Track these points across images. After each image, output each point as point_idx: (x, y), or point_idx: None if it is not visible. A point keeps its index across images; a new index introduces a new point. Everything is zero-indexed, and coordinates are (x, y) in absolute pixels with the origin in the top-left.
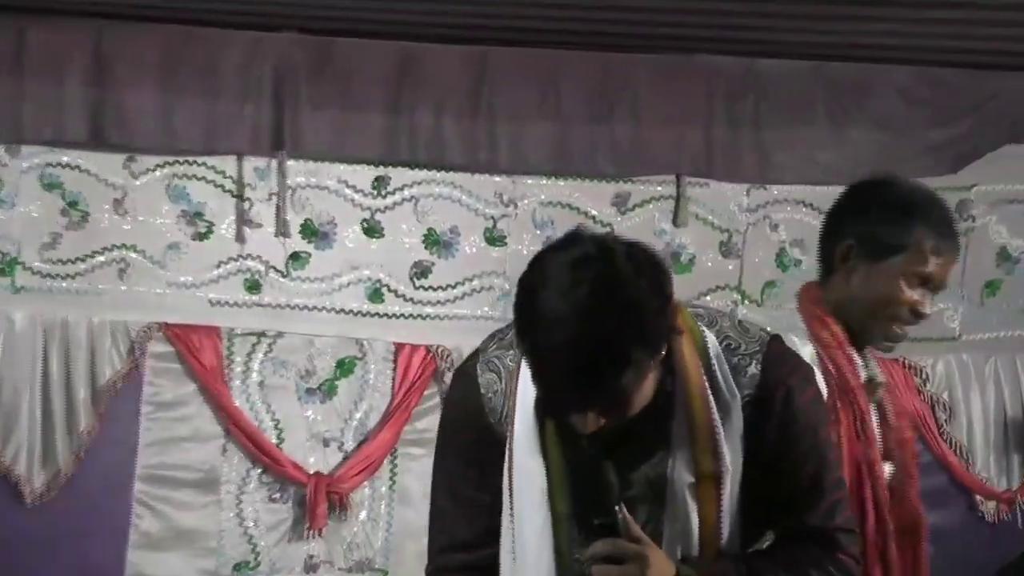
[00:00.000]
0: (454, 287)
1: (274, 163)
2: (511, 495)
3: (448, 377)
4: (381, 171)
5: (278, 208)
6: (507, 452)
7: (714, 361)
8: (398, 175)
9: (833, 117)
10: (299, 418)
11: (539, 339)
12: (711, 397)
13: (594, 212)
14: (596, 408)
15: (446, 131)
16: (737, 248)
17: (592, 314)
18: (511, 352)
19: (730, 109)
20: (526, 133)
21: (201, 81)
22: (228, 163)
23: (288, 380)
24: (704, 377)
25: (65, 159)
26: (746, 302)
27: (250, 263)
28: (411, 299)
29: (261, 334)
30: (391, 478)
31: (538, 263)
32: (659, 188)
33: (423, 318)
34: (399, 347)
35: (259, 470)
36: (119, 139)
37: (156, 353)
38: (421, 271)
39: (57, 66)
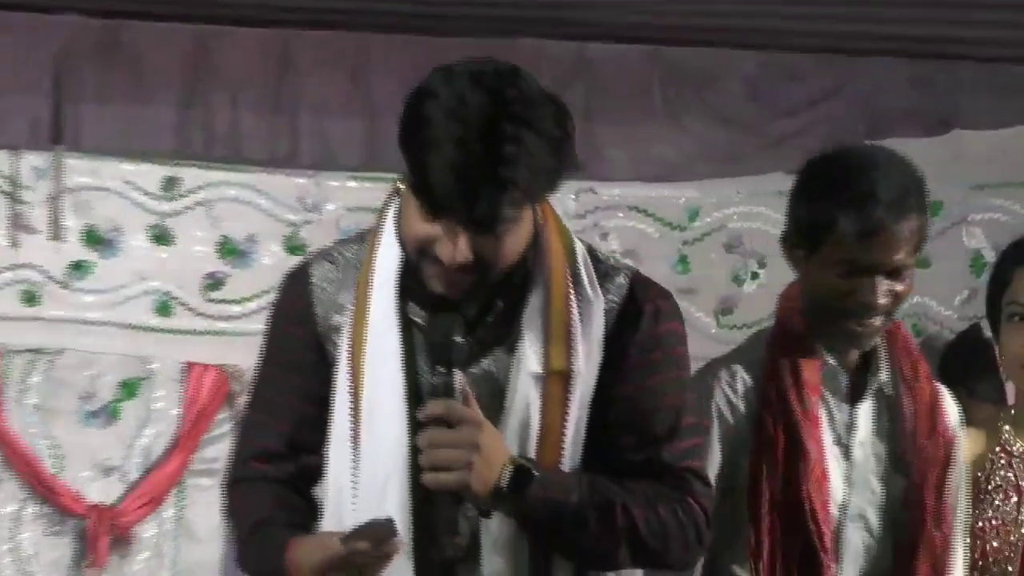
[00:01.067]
0: (250, 300)
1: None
2: (355, 391)
3: (242, 401)
4: (171, 170)
5: (53, 210)
6: (348, 343)
7: (579, 257)
8: (190, 175)
9: (672, 108)
10: (79, 444)
11: (432, 132)
12: (572, 288)
13: None
14: (473, 224)
15: (244, 124)
16: None
17: (492, 114)
18: (356, 246)
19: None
20: (332, 127)
21: None
22: (2, 159)
23: (67, 402)
24: (567, 267)
25: None
26: None
27: (27, 272)
28: (203, 313)
29: (38, 351)
30: (178, 511)
31: (437, 71)
32: None
33: (216, 334)
34: (189, 366)
35: (36, 501)
36: None
37: None
38: (214, 283)
39: None
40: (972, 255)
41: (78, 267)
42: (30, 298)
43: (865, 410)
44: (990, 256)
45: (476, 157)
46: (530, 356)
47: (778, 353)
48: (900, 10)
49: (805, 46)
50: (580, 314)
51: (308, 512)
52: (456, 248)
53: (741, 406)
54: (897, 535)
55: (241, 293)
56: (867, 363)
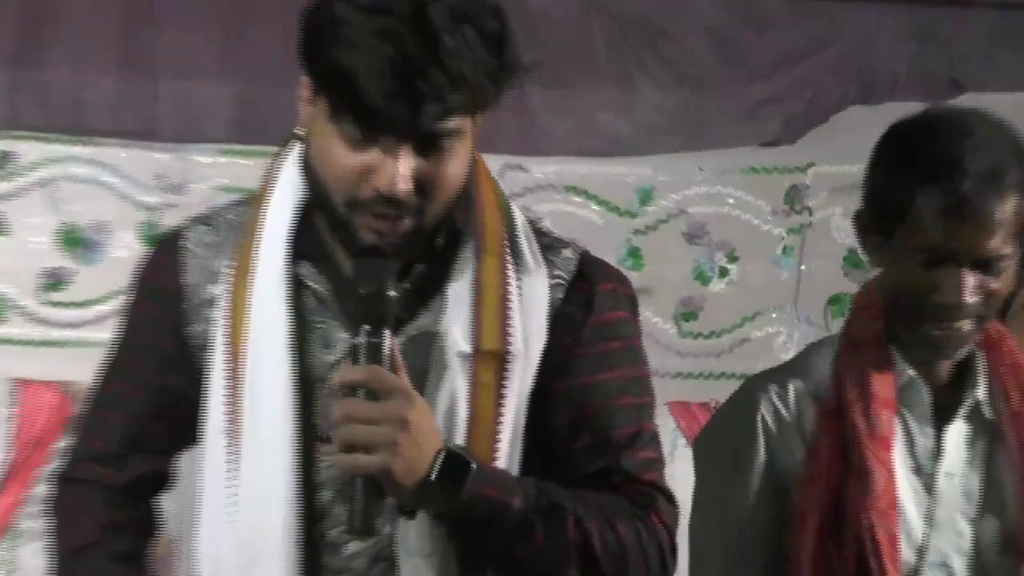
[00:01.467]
0: (99, 303)
1: None
2: (233, 375)
3: None
4: (2, 144)
5: None
6: (226, 317)
7: (518, 224)
8: (25, 150)
9: (621, 68)
10: None
11: (352, 32)
12: (509, 255)
13: None
14: (418, 137)
15: (89, 90)
16: None
17: (420, 3)
18: (240, 208)
19: None
20: (199, 94)
21: None
22: None
23: None
24: (504, 231)
25: None
26: None
27: None
28: (40, 319)
29: None
30: (8, 555)
31: None
32: None
33: (56, 345)
34: (22, 384)
35: None
36: None
37: None
38: (55, 281)
39: None
40: None
41: None
42: None
43: (955, 434)
44: None
45: (411, 51)
46: (456, 332)
47: (844, 363)
48: None
49: None
50: (519, 285)
51: (144, 528)
52: (398, 172)
53: (793, 424)
54: None
55: (87, 294)
56: (962, 378)
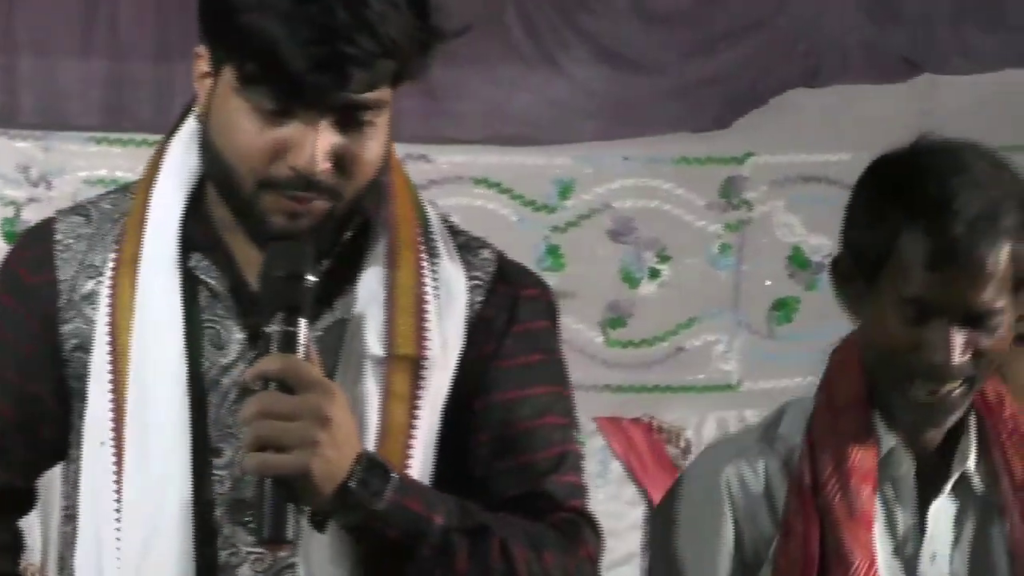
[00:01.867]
0: None
1: None
2: (117, 378)
3: None
4: None
5: None
6: (107, 314)
7: (432, 219)
8: None
9: (539, 45)
10: None
11: None
12: (425, 252)
13: None
14: (342, 107)
15: None
16: None
17: None
18: (116, 196)
19: None
20: (65, 75)
21: None
22: None
23: None
24: (419, 225)
25: None
26: None
27: None
28: None
29: None
30: None
31: None
32: None
33: None
34: None
35: None
36: None
37: None
38: None
39: None
40: None
41: None
42: None
43: (941, 511)
44: None
45: (336, 14)
46: (368, 334)
47: (818, 430)
48: None
49: None
50: (436, 286)
51: (6, 552)
52: (318, 148)
53: (762, 497)
54: None
55: None
56: (951, 446)
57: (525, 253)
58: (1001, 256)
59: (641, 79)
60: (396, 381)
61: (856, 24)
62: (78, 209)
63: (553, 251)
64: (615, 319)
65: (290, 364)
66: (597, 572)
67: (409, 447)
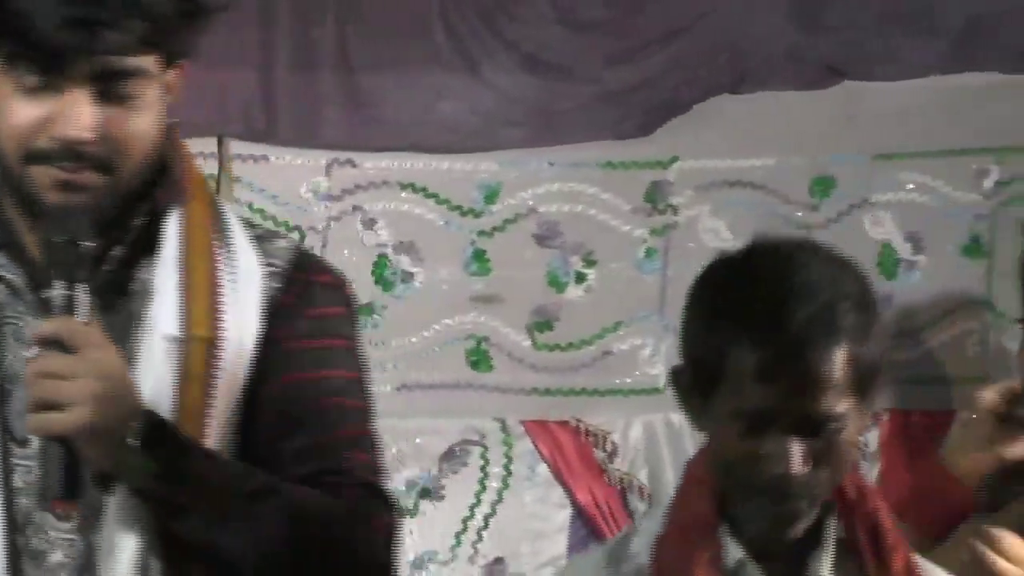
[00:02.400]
0: None
1: None
2: None
3: None
4: None
5: None
6: None
7: (226, 214)
8: None
9: (463, 53)
10: None
11: None
12: (217, 237)
13: None
14: (100, 73)
15: None
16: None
17: None
18: None
19: (308, 40)
20: None
21: None
22: None
23: None
24: (212, 219)
25: None
26: None
27: None
28: None
29: None
30: None
31: None
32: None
33: None
34: None
35: None
36: None
37: None
38: None
39: None
40: (879, 248)
41: None
42: None
43: None
44: (904, 249)
45: None
46: (162, 316)
47: (664, 550)
48: None
49: None
50: (230, 269)
51: None
52: (80, 115)
53: None
54: None
55: None
56: (805, 550)
57: (452, 257)
58: (836, 361)
59: (565, 86)
60: (191, 362)
61: (781, 31)
62: None
63: (479, 255)
64: (542, 323)
65: (64, 324)
66: (390, 548)
67: (205, 426)
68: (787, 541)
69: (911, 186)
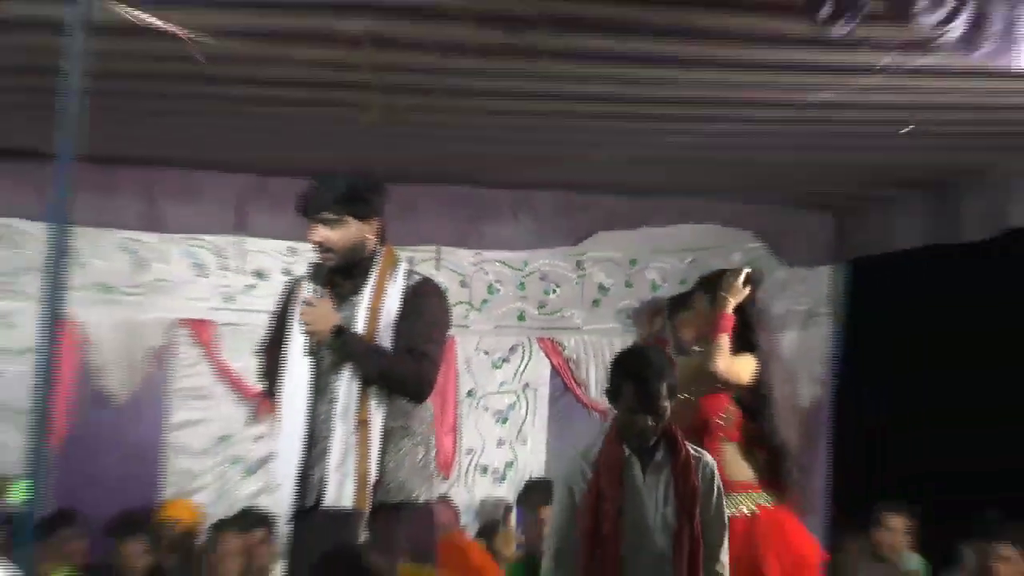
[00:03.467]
0: None
1: None
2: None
3: None
4: None
5: None
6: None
7: (399, 266)
8: None
9: None
10: None
11: None
12: (389, 279)
13: None
14: (314, 222)
15: None
16: None
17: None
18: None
19: None
20: None
21: None
22: None
23: None
24: (389, 270)
25: None
26: None
27: None
28: None
29: None
30: None
31: None
32: None
33: None
34: None
35: None
36: None
37: None
38: None
39: None
40: None
41: None
42: None
43: (649, 472)
44: None
45: (307, 194)
46: (365, 302)
47: (604, 447)
48: None
49: None
50: (391, 285)
51: None
52: (315, 234)
53: (580, 474)
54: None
55: None
56: (653, 448)
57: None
58: (662, 388)
59: None
60: (370, 315)
61: None
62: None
63: None
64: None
65: (313, 298)
66: (431, 380)
67: (375, 332)
68: (644, 447)
69: None
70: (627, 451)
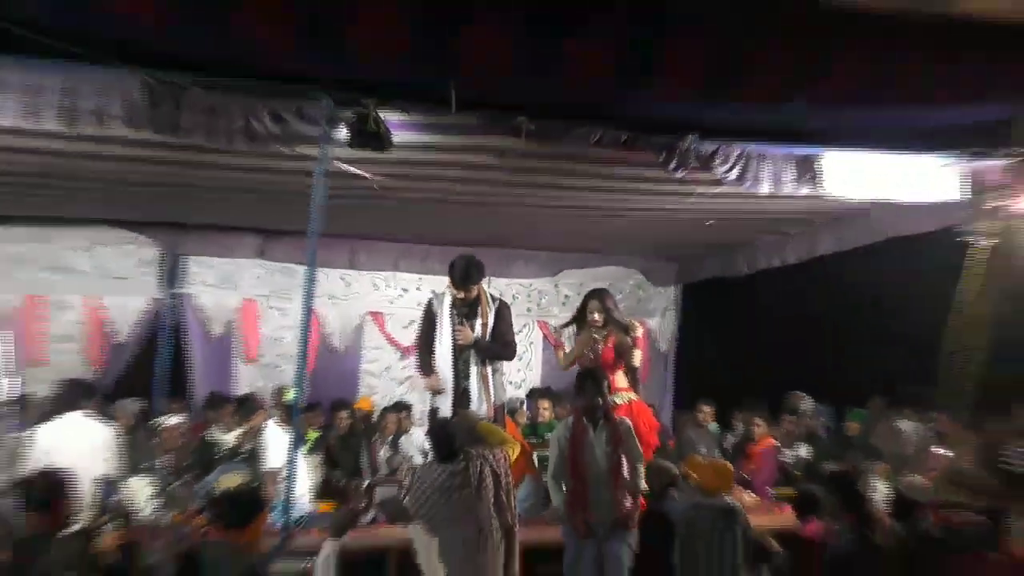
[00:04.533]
0: None
1: None
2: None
3: None
4: None
5: None
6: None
7: (490, 297)
8: None
9: None
10: None
11: None
12: (487, 305)
13: None
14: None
15: None
16: None
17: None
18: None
19: None
20: None
21: None
22: None
23: None
24: (488, 301)
25: None
26: None
27: None
28: None
29: None
30: None
31: None
32: None
33: None
34: None
35: None
36: None
37: None
38: None
39: None
40: None
41: None
42: None
43: (596, 433)
44: None
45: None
46: (479, 320)
47: (573, 421)
48: None
49: None
50: (490, 308)
51: None
52: (457, 293)
53: (563, 439)
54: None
55: None
56: (600, 416)
57: None
58: (605, 389)
59: None
60: (483, 327)
61: None
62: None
63: None
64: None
65: (460, 328)
66: (514, 352)
67: (485, 334)
68: (595, 419)
69: None
70: (586, 422)
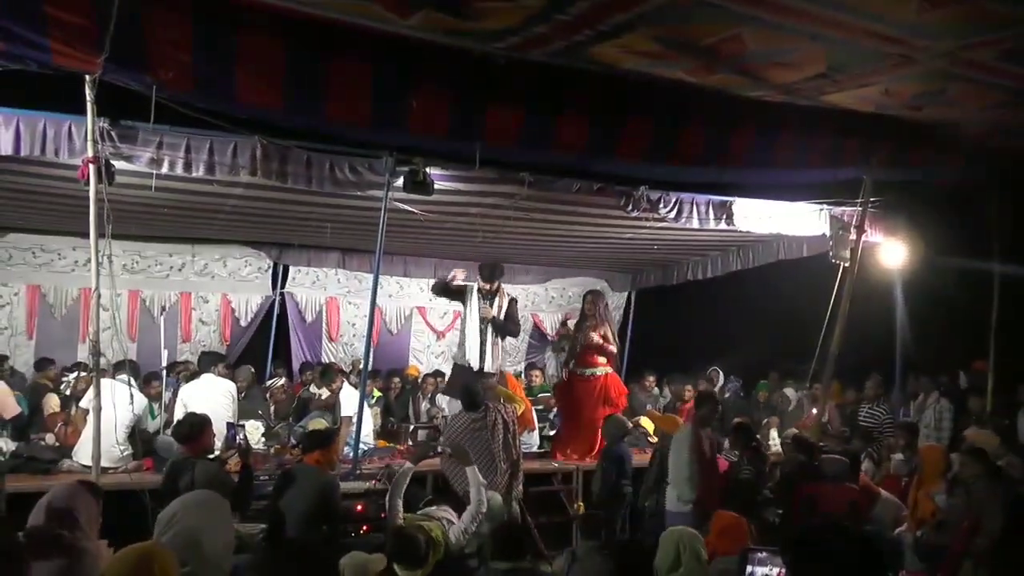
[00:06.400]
0: None
1: None
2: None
3: None
4: None
5: None
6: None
7: (505, 292)
8: None
9: None
10: None
11: None
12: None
13: None
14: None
15: None
16: None
17: None
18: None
19: None
20: None
21: None
22: None
23: None
24: (503, 296)
25: None
26: None
27: None
28: None
29: None
30: None
31: None
32: None
33: None
34: None
35: None
36: None
37: None
38: None
39: None
40: None
41: None
42: None
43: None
44: None
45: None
46: (497, 303)
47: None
48: None
49: None
50: (504, 300)
51: None
52: (488, 286)
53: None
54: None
55: None
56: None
57: None
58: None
59: None
60: (498, 309)
61: None
62: None
63: None
64: None
65: (484, 308)
66: (519, 330)
67: (500, 314)
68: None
69: None
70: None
